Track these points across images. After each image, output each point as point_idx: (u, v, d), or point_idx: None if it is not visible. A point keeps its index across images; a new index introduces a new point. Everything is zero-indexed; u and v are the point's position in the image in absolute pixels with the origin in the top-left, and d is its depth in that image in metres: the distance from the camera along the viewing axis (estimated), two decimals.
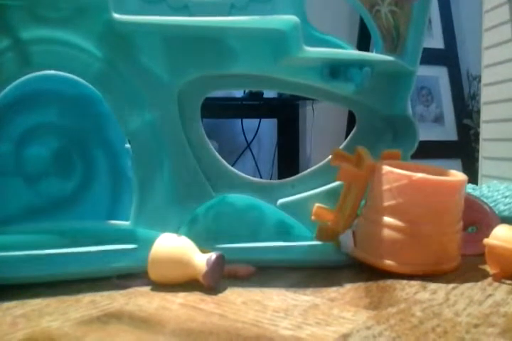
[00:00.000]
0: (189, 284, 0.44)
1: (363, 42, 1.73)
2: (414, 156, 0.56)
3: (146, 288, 0.45)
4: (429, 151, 1.70)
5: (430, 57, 1.89)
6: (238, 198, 0.52)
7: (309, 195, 0.53)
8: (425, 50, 0.55)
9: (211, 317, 0.38)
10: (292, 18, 0.47)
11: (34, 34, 0.46)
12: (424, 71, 1.90)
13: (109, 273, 0.47)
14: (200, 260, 0.43)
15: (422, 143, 0.57)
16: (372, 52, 0.56)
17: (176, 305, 0.41)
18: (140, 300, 0.42)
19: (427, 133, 1.88)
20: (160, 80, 0.49)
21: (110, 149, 0.55)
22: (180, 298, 0.42)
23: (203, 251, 0.45)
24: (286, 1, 0.49)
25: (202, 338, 0.34)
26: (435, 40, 2.01)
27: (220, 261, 0.44)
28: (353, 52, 0.53)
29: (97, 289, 0.44)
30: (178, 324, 0.37)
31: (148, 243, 0.45)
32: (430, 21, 1.99)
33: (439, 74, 2.00)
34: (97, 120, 0.54)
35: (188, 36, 0.49)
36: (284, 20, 0.47)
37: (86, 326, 0.36)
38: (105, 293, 0.43)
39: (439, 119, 1.99)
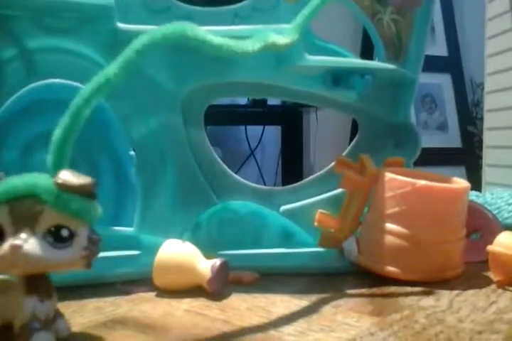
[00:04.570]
0: (194, 290, 0.44)
1: (366, 50, 1.74)
2: (418, 163, 0.56)
3: (151, 294, 0.45)
4: (433, 158, 1.70)
5: (434, 64, 1.90)
6: (241, 205, 0.52)
7: (312, 202, 0.53)
8: (429, 57, 0.56)
9: (216, 323, 0.38)
10: None
11: (40, 43, 0.47)
12: (428, 78, 1.90)
13: (113, 279, 0.47)
14: (205, 266, 0.44)
15: (426, 151, 0.57)
16: (374, 60, 0.56)
17: (181, 311, 0.41)
18: (145, 306, 0.42)
19: (431, 140, 1.88)
20: (163, 88, 0.50)
21: (114, 156, 0.55)
22: (185, 304, 0.42)
23: (208, 257, 0.45)
24: (289, 10, 0.50)
25: None
26: (439, 48, 2.02)
27: (225, 267, 0.44)
28: (354, 61, 0.54)
29: (101, 295, 0.44)
30: (182, 330, 0.37)
31: (152, 249, 0.46)
32: (434, 29, 2.00)
33: (443, 82, 2.01)
34: (102, 127, 0.54)
35: (191, 45, 0.49)
36: (287, 29, 0.47)
37: (92, 332, 0.36)
38: (110, 299, 0.44)
39: (443, 126, 1.99)
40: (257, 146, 1.91)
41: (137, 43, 0.37)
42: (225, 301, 0.43)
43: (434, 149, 1.86)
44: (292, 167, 1.69)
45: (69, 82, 0.51)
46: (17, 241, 0.29)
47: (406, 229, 0.47)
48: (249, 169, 1.90)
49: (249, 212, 0.52)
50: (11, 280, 0.33)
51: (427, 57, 0.56)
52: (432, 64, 1.85)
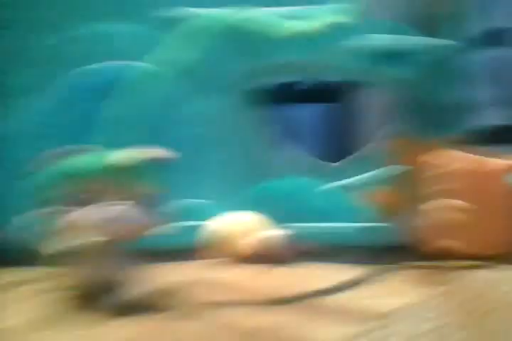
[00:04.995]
0: (259, 258, 0.47)
1: (417, 27, 1.68)
2: (477, 142, 0.56)
3: (219, 261, 0.47)
4: (493, 136, 1.64)
5: (493, 38, 1.82)
6: (292, 181, 0.54)
7: (363, 178, 0.54)
8: (488, 30, 0.55)
9: (278, 289, 0.40)
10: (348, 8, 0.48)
11: (92, 28, 0.49)
12: (488, 53, 1.83)
13: (183, 246, 0.50)
14: (269, 235, 0.46)
15: (486, 128, 0.57)
16: (424, 37, 0.55)
17: (246, 276, 0.44)
18: (214, 271, 0.45)
19: (491, 117, 1.81)
20: (217, 69, 0.51)
21: (171, 135, 0.57)
22: (250, 270, 0.45)
23: (272, 228, 0.47)
24: None
25: (269, 307, 0.37)
26: (500, 20, 1.93)
27: (287, 237, 0.46)
28: (405, 39, 0.54)
29: (177, 260, 0.47)
30: (250, 291, 0.39)
31: (220, 219, 0.48)
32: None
33: (504, 56, 1.92)
34: (165, 106, 0.56)
35: (244, 28, 0.50)
36: (340, 9, 0.48)
37: (166, 293, 0.39)
38: (182, 264, 0.46)
39: (503, 102, 1.92)
40: (307, 124, 1.90)
41: (196, 26, 0.39)
42: (286, 268, 0.45)
43: (494, 126, 1.79)
44: (342, 144, 1.67)
45: (127, 62, 0.53)
46: (85, 213, 0.32)
47: (460, 205, 0.48)
48: (300, 146, 1.89)
49: (299, 187, 0.54)
50: (90, 246, 0.36)
51: (487, 29, 0.55)
52: (491, 37, 1.77)
